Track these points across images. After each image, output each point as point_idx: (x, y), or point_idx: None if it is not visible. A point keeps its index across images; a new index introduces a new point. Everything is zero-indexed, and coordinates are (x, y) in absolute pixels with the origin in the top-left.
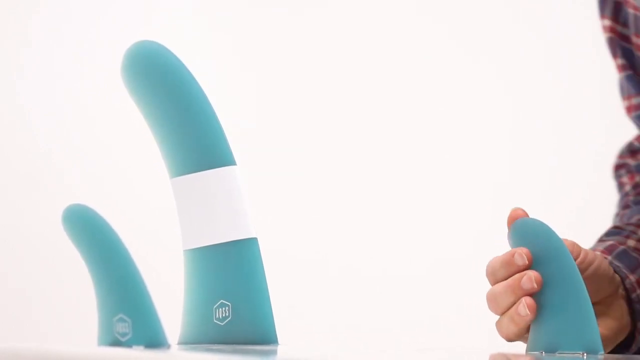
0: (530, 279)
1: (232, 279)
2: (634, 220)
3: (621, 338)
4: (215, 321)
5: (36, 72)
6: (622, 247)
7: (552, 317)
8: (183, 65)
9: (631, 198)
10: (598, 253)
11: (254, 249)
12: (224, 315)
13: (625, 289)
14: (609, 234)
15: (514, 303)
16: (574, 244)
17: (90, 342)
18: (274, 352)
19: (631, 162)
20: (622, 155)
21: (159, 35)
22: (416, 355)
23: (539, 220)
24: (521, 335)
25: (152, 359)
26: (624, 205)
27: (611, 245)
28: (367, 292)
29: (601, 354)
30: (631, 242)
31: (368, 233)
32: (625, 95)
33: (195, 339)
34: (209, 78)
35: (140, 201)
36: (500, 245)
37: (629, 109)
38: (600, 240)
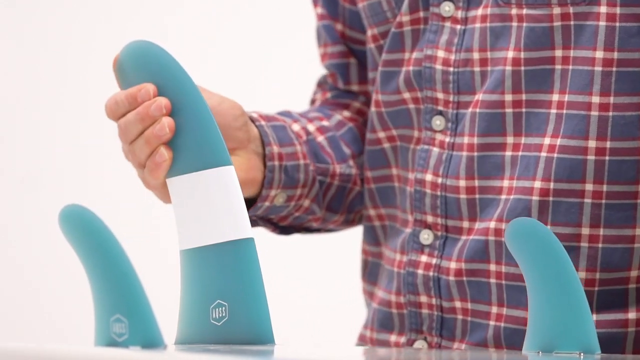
0: (159, 106)
1: (228, 279)
2: (309, 115)
3: (246, 194)
4: (212, 321)
5: (35, 71)
6: (283, 124)
7: (548, 317)
8: (178, 64)
9: (316, 106)
10: (229, 100)
11: (250, 249)
12: (220, 315)
13: (264, 155)
14: (279, 112)
15: (143, 131)
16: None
17: (86, 342)
18: (271, 353)
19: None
20: (319, 84)
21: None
22: (425, 355)
23: (535, 221)
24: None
25: (149, 359)
26: (307, 108)
27: (273, 118)
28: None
29: (598, 354)
30: (295, 127)
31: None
32: (322, 44)
33: (192, 339)
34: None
35: (136, 201)
36: None
37: (324, 57)
38: (268, 113)
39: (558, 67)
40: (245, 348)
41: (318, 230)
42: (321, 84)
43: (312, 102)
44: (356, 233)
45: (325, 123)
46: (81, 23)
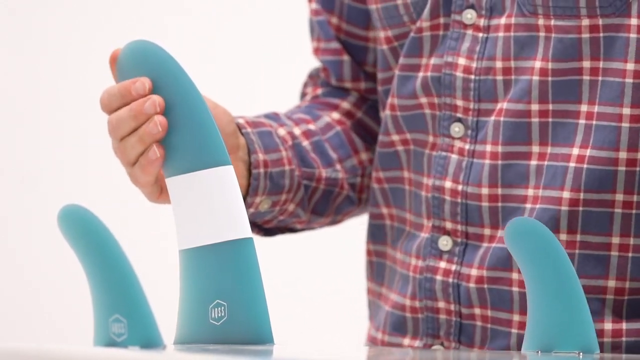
0: (154, 103)
1: (227, 278)
2: (295, 117)
3: None
4: (211, 321)
5: (36, 71)
6: (270, 129)
7: (547, 317)
8: (178, 64)
9: (306, 103)
10: (221, 106)
11: (249, 249)
12: (219, 315)
13: (250, 162)
14: (266, 115)
15: (136, 128)
16: None
17: (85, 342)
18: (270, 352)
19: (314, 81)
20: (311, 76)
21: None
22: (422, 355)
23: (535, 221)
24: (150, 167)
25: (148, 359)
26: (296, 105)
27: (260, 123)
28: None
29: (597, 354)
30: (281, 131)
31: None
32: (315, 38)
33: (191, 339)
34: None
35: (135, 201)
36: None
37: (316, 51)
38: (255, 117)
39: (586, 78)
40: (245, 348)
41: (302, 230)
42: (313, 77)
43: (303, 95)
44: (356, 232)
45: (311, 127)
46: (81, 23)
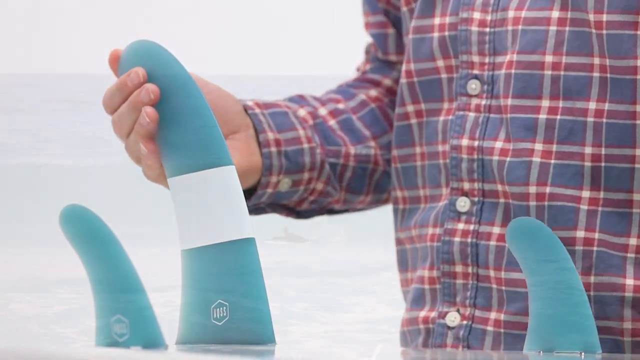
0: (147, 91)
1: (229, 278)
2: (324, 97)
3: (251, 181)
4: (213, 321)
5: (35, 70)
6: (286, 110)
7: (549, 317)
8: (180, 64)
9: (347, 82)
10: (223, 89)
11: (251, 249)
12: (221, 315)
13: (258, 142)
14: (289, 98)
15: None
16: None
17: (88, 342)
18: (272, 352)
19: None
20: (366, 51)
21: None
22: (419, 355)
23: (537, 221)
24: (153, 163)
25: (150, 359)
26: (338, 84)
27: (274, 104)
28: (367, 292)
29: (599, 353)
30: (301, 112)
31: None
32: (365, 12)
33: (193, 339)
34: None
35: (137, 201)
36: None
37: (366, 25)
38: (271, 100)
39: (593, 30)
40: (246, 348)
41: (346, 211)
42: (367, 52)
43: (357, 69)
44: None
45: (340, 106)
46: (82, 25)
